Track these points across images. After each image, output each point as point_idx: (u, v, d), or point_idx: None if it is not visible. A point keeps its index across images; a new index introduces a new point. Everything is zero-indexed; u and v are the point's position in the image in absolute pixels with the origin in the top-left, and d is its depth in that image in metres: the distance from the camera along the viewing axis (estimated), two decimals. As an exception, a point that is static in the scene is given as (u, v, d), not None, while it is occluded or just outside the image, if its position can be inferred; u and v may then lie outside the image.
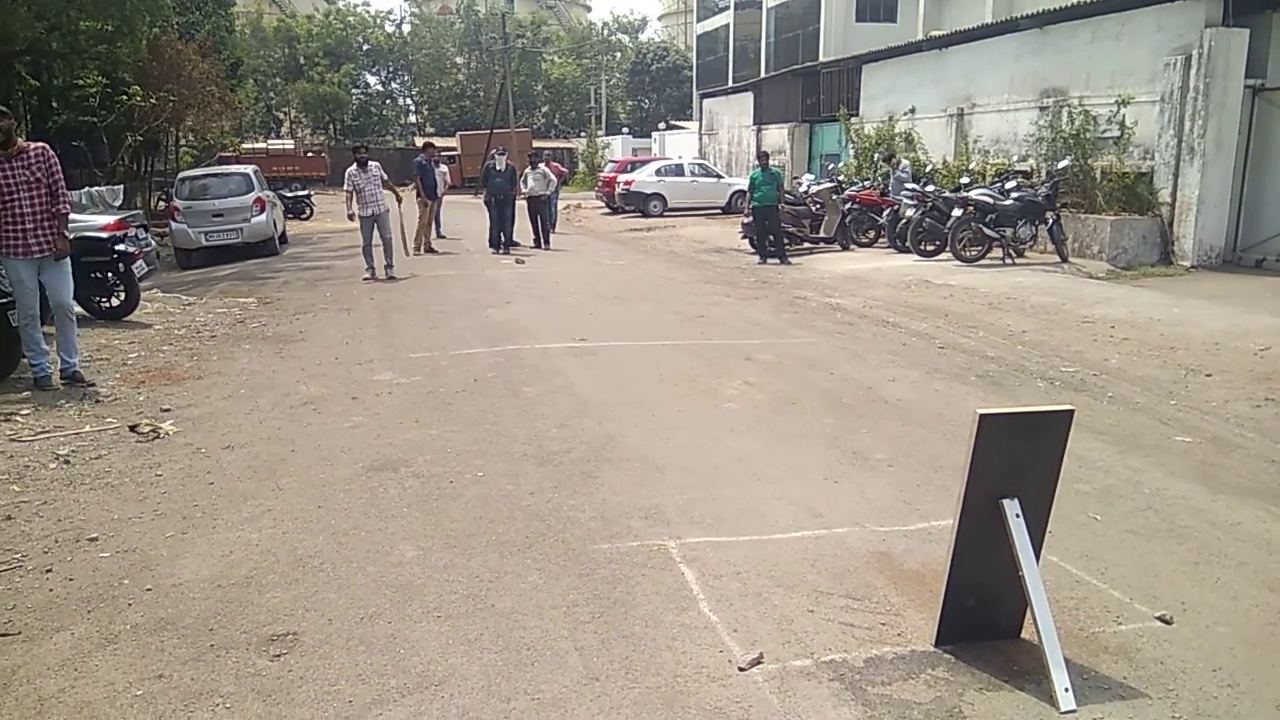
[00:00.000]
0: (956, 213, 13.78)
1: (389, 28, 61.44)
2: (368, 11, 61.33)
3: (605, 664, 3.15)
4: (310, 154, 45.81)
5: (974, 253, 13.80)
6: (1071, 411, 3.08)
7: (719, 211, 25.56)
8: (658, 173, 26.62)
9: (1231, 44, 12.25)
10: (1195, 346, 8.15)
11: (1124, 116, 13.48)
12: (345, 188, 13.23)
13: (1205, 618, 3.48)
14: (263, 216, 16.78)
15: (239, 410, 6.33)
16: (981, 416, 2.91)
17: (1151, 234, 13.20)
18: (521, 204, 17.48)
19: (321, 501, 4.62)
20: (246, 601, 3.60)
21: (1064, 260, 13.31)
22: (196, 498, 4.69)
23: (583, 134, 52.83)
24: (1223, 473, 5.09)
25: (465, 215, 22.13)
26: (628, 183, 26.35)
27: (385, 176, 13.51)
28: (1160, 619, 3.45)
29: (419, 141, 38.96)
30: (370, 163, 13.34)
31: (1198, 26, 12.45)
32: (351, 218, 13.11)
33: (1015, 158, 16.19)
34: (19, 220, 6.67)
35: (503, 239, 16.96)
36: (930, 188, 15.17)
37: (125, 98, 19.37)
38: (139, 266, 10.28)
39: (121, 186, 19.26)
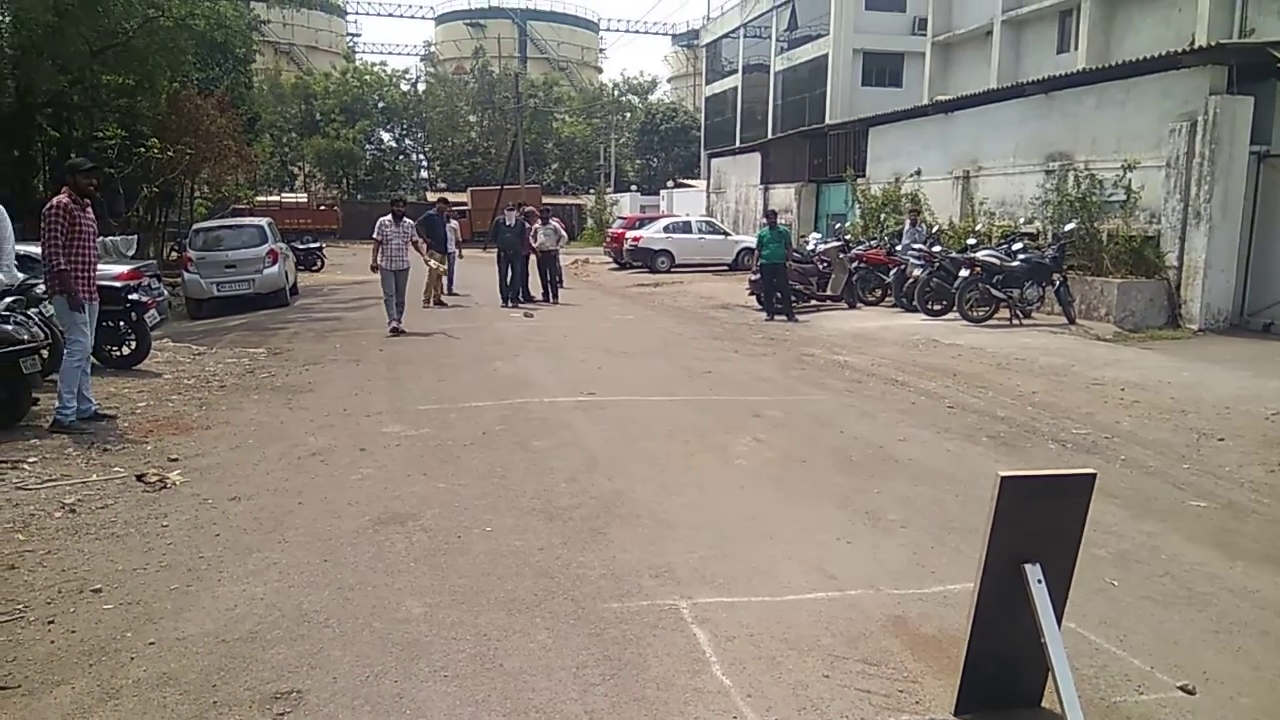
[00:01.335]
0: (964, 273, 13.85)
1: (404, 86, 62.62)
2: (384, 70, 62.56)
3: (616, 728, 3.08)
4: (323, 207, 46.35)
5: (981, 313, 13.84)
6: (1094, 475, 3.05)
7: (726, 268, 25.73)
8: (666, 230, 26.87)
9: (1236, 111, 12.41)
10: (1206, 410, 8.11)
11: (1130, 181, 13.61)
12: (375, 236, 13.17)
13: (1228, 688, 3.40)
14: (275, 268, 16.90)
15: (246, 461, 6.30)
16: (1003, 479, 2.88)
17: (1158, 297, 13.23)
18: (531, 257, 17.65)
19: (328, 555, 4.57)
20: (250, 657, 3.54)
21: (1071, 322, 13.32)
22: (202, 549, 4.64)
23: (592, 191, 53.44)
24: (1239, 539, 5.03)
25: (474, 269, 22.30)
26: (636, 239, 26.59)
27: (416, 237, 13.58)
28: (1183, 689, 3.37)
29: (431, 196, 39.45)
30: (405, 219, 13.38)
31: (1203, 94, 12.63)
32: (374, 268, 13.14)
33: (1021, 220, 16.30)
34: (90, 267, 7.22)
35: (512, 292, 17.04)
36: (937, 248, 15.28)
37: (143, 150, 19.69)
38: (151, 316, 10.33)
39: (135, 236, 19.47)
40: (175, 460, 6.29)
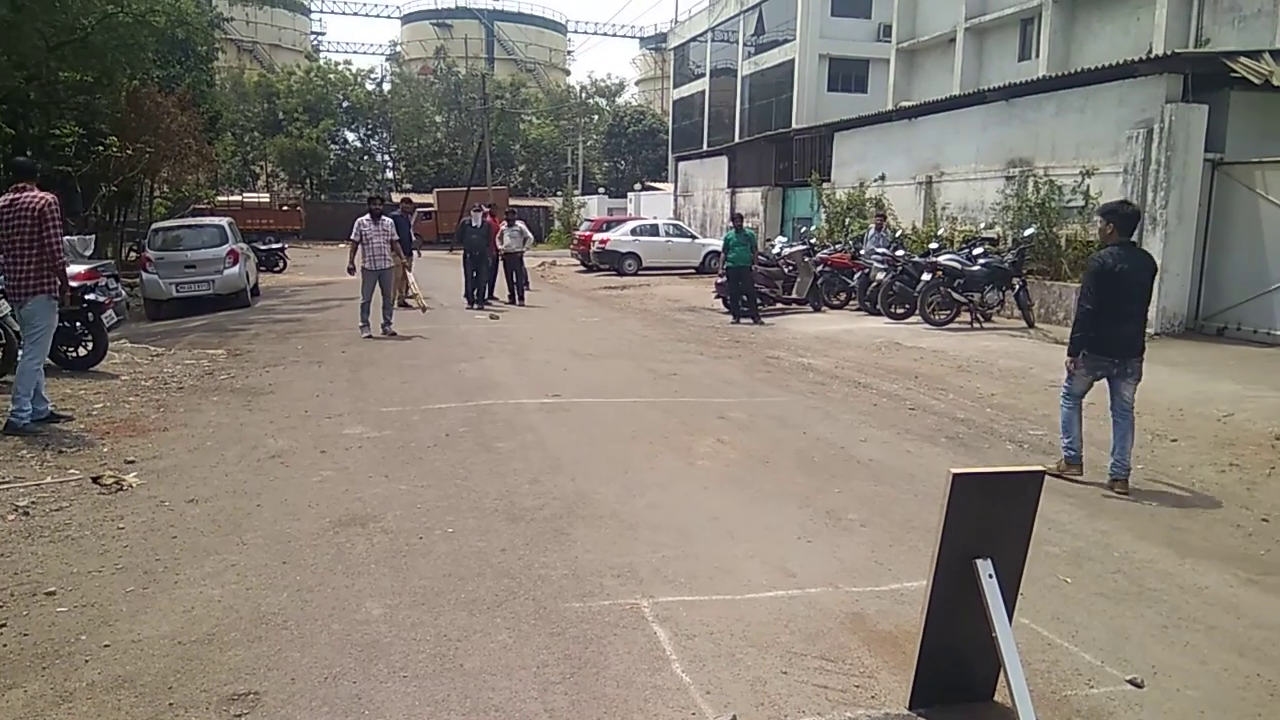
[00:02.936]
0: (926, 277, 14.04)
1: (369, 86, 62.13)
2: (349, 70, 62.03)
3: (575, 726, 3.09)
4: (286, 207, 45.75)
5: (942, 316, 14.03)
6: (1043, 472, 3.12)
7: (693, 271, 25.83)
8: (633, 232, 26.93)
9: (1191, 119, 12.67)
10: (1160, 412, 8.27)
11: (1088, 187, 13.87)
12: (352, 236, 12.83)
13: (1176, 681, 3.48)
14: (235, 268, 16.71)
15: (204, 463, 6.23)
16: (955, 476, 2.93)
17: (1116, 301, 13.44)
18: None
19: (286, 557, 4.54)
20: (207, 659, 3.50)
21: (1030, 325, 13.54)
22: (159, 552, 4.59)
23: (559, 193, 53.38)
24: (1189, 537, 5.14)
25: (440, 270, 22.21)
26: (603, 241, 26.62)
27: (395, 236, 13.20)
28: (1131, 682, 3.45)
29: (396, 197, 39.17)
30: (383, 216, 13.08)
31: (1159, 102, 12.88)
32: (352, 270, 12.89)
33: (982, 225, 16.54)
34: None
35: (477, 294, 17.00)
36: (900, 252, 15.47)
37: (102, 148, 19.32)
38: (108, 316, 10.18)
39: (93, 236, 19.12)
40: (132, 462, 6.21)
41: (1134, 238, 5.99)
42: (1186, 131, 12.67)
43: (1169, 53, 14.62)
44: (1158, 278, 12.53)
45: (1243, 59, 12.43)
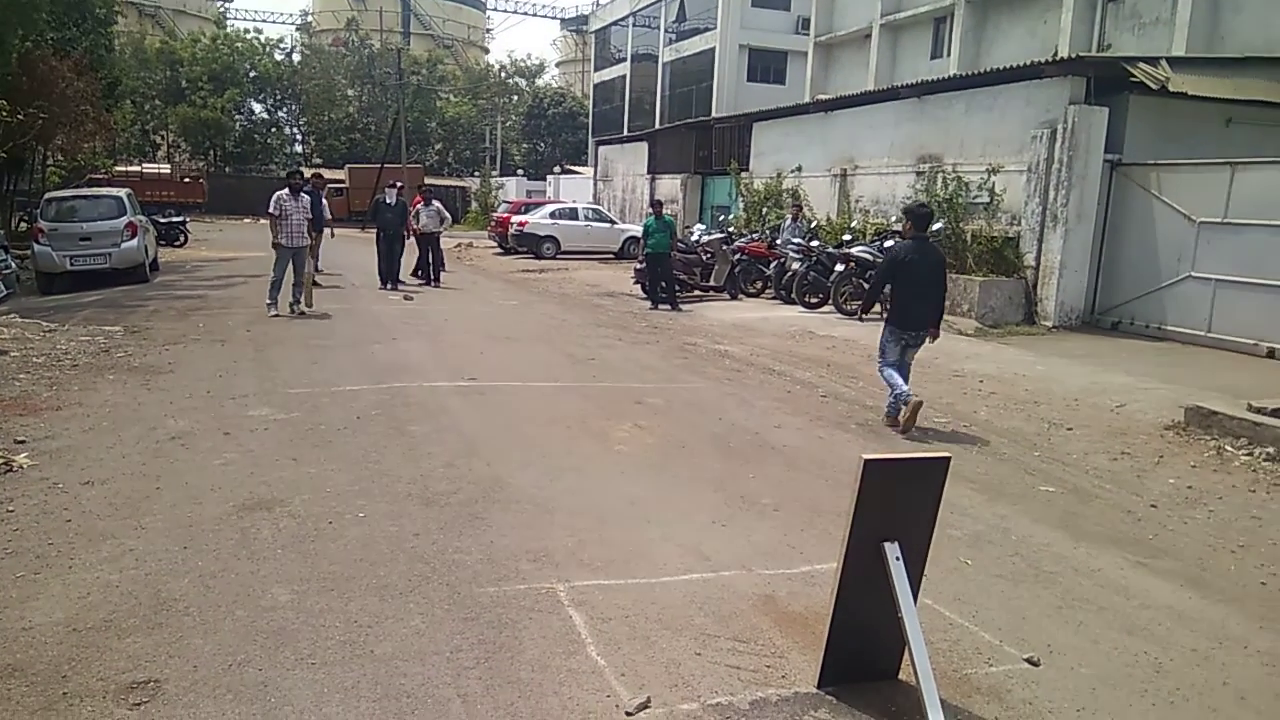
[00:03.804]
0: (839, 268, 14.32)
1: (278, 56, 60.03)
2: (257, 39, 59.82)
3: (489, 711, 3.07)
4: (188, 179, 43.93)
5: (854, 306, 14.31)
6: (948, 459, 3.22)
7: (612, 256, 25.79)
8: (552, 215, 26.71)
9: (1093, 121, 13.18)
10: (1057, 402, 8.63)
11: (994, 184, 14.30)
12: (271, 210, 12.46)
13: (1070, 659, 3.65)
14: (134, 242, 16.01)
15: (101, 444, 5.97)
16: (866, 461, 3.01)
17: (1017, 295, 13.95)
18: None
19: (188, 542, 4.39)
20: (104, 646, 3.37)
21: (938, 316, 13.91)
22: (51, 536, 4.38)
23: (477, 173, 52.59)
24: (1083, 521, 5.38)
25: (351, 249, 21.69)
26: (521, 224, 26.34)
27: (310, 216, 12.85)
28: (1028, 661, 3.60)
29: (306, 172, 38.11)
30: (303, 193, 12.72)
31: (1063, 103, 13.36)
32: (275, 246, 12.51)
33: (894, 218, 16.88)
34: None
35: (391, 274, 16.64)
36: (815, 243, 15.74)
37: (-11, 113, 18.25)
38: (-5, 289, 9.66)
39: (-21, 205, 18.12)
40: (22, 442, 5.91)
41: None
42: (1088, 132, 13.18)
43: (1073, 56, 15.15)
44: (1056, 273, 13.32)
45: (1142, 65, 12.97)
